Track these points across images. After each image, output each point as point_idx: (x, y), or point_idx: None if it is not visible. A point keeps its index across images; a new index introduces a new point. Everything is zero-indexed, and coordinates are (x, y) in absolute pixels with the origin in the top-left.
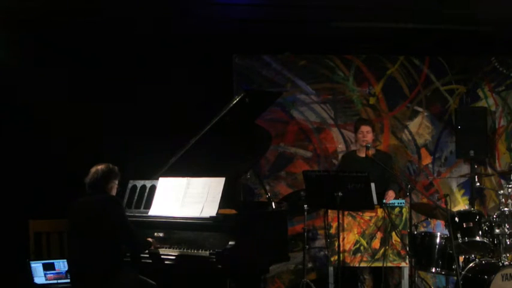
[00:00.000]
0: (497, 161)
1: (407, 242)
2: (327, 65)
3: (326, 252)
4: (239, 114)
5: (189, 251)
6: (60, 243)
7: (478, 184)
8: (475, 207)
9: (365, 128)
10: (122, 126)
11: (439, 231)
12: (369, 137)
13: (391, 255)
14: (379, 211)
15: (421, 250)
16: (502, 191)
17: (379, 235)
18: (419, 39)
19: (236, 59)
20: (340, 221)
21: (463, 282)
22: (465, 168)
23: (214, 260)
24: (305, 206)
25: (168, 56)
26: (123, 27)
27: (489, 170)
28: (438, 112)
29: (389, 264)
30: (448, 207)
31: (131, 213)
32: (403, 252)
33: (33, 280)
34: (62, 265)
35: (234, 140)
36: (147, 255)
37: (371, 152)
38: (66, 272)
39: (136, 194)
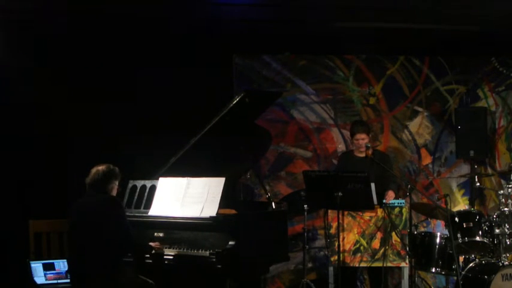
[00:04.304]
0: (497, 161)
1: (407, 242)
2: (327, 65)
3: (326, 252)
4: (239, 114)
5: (189, 251)
6: (60, 243)
7: (478, 184)
8: (475, 207)
9: (360, 136)
10: (122, 126)
11: (439, 231)
12: (365, 143)
13: (391, 255)
14: (379, 211)
15: (421, 250)
16: (502, 191)
17: (379, 235)
18: (419, 39)
19: (236, 59)
20: (340, 221)
21: (463, 282)
22: (465, 168)
23: (214, 260)
24: (305, 206)
25: (168, 56)
26: (123, 28)
27: (489, 170)
28: (438, 112)
29: (389, 264)
30: (448, 207)
31: (131, 213)
32: (403, 252)
33: (33, 280)
34: (62, 265)
35: (234, 140)
36: (148, 256)
37: (370, 152)
38: (66, 272)
39: (136, 194)
